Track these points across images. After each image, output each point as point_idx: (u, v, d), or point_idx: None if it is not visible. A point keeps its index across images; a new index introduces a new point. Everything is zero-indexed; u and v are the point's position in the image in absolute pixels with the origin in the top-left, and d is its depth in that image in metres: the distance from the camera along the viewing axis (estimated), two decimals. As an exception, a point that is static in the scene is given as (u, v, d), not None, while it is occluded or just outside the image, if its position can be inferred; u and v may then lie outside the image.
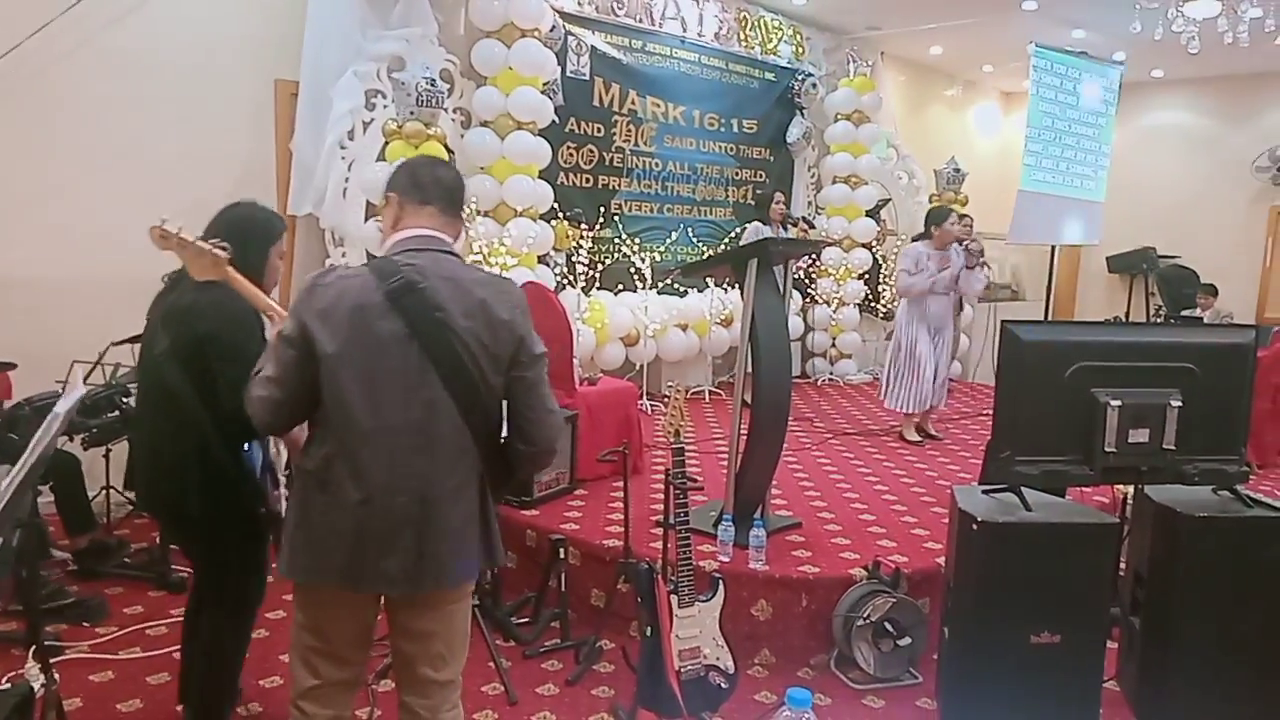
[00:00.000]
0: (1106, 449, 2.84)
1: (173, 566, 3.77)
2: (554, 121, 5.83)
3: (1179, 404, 2.86)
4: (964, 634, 2.88)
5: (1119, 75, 8.04)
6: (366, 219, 5.04)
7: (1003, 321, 3.00)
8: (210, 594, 2.55)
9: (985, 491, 3.02)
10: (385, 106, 5.11)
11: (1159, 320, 8.84)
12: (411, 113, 4.93)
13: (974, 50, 9.11)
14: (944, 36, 8.53)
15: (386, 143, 4.99)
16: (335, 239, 5.13)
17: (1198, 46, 6.05)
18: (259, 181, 5.06)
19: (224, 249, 2.26)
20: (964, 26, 7.91)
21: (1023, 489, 2.91)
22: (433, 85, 4.94)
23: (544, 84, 5.71)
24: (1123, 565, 3.30)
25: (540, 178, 5.68)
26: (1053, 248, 8.18)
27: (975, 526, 2.79)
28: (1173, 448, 2.86)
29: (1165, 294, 9.64)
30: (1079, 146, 7.81)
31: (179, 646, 2.76)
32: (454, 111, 5.55)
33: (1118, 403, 2.83)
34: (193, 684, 2.62)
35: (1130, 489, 3.36)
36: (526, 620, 3.52)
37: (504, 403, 1.97)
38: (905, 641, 3.19)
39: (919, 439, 5.81)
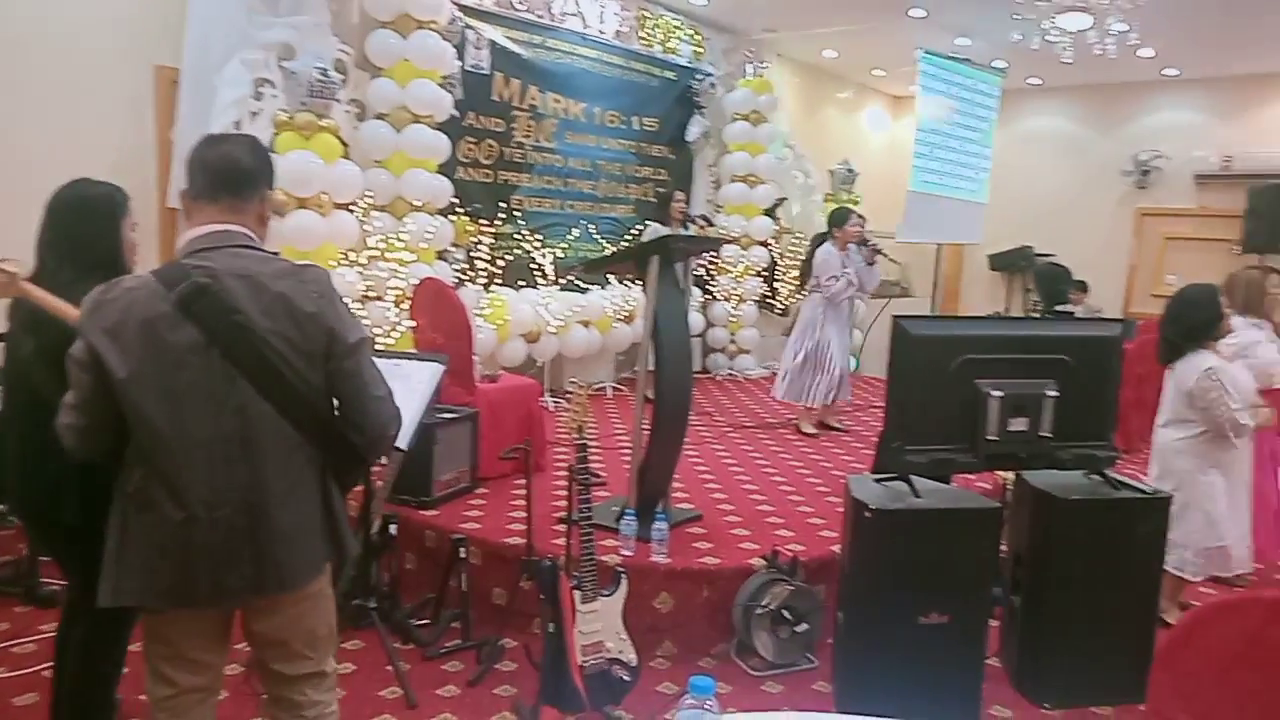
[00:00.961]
0: (989, 437, 2.98)
1: (41, 580, 3.55)
2: (453, 115, 5.74)
3: (1054, 394, 3.02)
4: (857, 618, 2.98)
5: (999, 82, 8.43)
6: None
7: (894, 316, 3.11)
8: (85, 605, 2.41)
9: (877, 480, 3.12)
10: (275, 96, 4.91)
11: (1036, 315, 9.33)
12: (303, 103, 4.76)
13: (865, 54, 9.41)
14: (837, 40, 8.78)
15: (277, 134, 4.81)
16: (221, 233, 4.92)
17: (1071, 56, 6.41)
18: (137, 172, 4.81)
19: (12, 268, 2.13)
20: (855, 31, 8.16)
21: (912, 477, 3.03)
22: (325, 76, 4.79)
23: (442, 77, 5.61)
24: (1005, 547, 3.47)
25: (439, 172, 5.58)
26: (939, 246, 8.52)
27: (867, 514, 2.88)
28: (1049, 435, 3.03)
29: (1041, 290, 10.17)
30: (963, 150, 8.17)
31: (49, 664, 2.60)
32: (348, 103, 5.39)
33: (999, 393, 2.98)
34: (64, 703, 2.48)
35: (1011, 474, 3.54)
36: (426, 622, 3.46)
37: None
38: (802, 628, 3.28)
39: (815, 432, 5.97)
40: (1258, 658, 1.57)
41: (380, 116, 5.45)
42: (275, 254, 1.94)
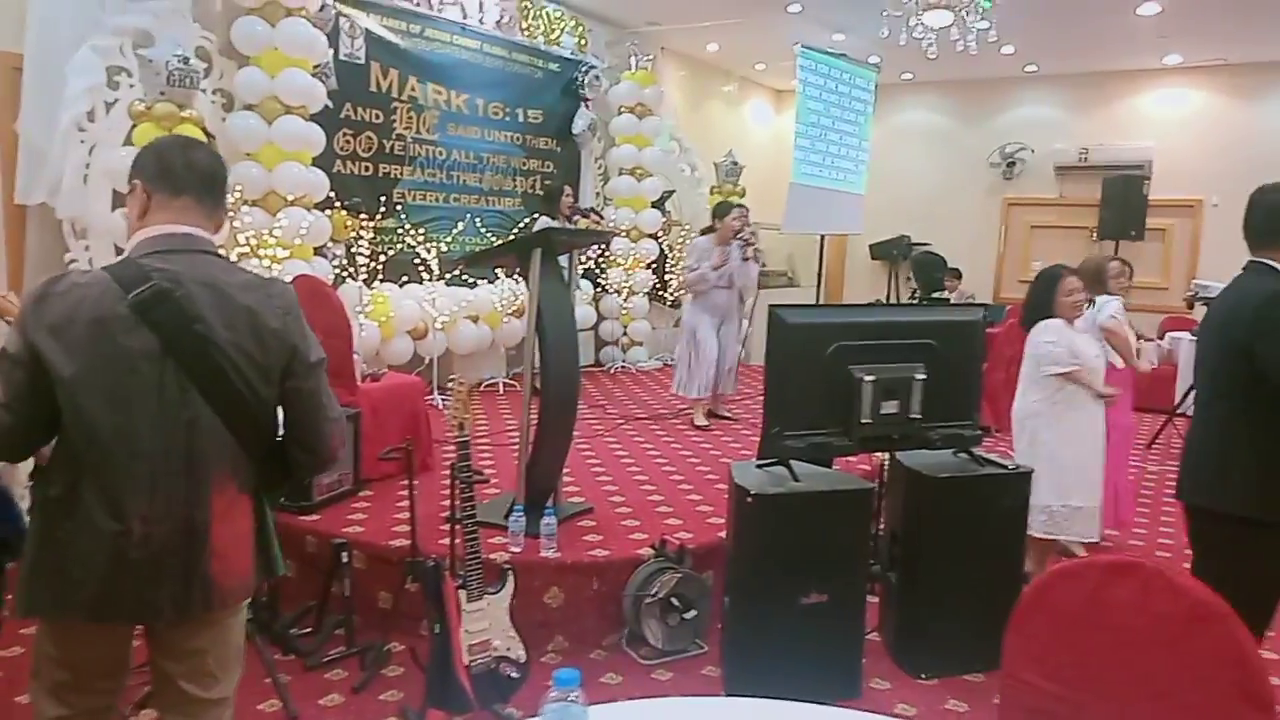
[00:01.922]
0: (863, 420, 3.09)
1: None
2: (327, 106, 5.55)
3: (923, 377, 3.16)
4: (742, 601, 3.05)
5: (875, 77, 8.71)
6: (114, 208, 4.57)
7: (770, 306, 3.19)
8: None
9: (759, 466, 3.20)
10: (131, 86, 4.64)
11: (914, 302, 9.72)
12: (162, 93, 4.51)
13: (747, 49, 9.58)
14: (719, 34, 8.90)
15: (134, 125, 4.55)
16: (76, 231, 4.62)
17: (936, 52, 6.69)
18: (-23, 166, 4.48)
19: None
20: (737, 25, 8.29)
21: (792, 462, 3.11)
22: (186, 64, 4.55)
23: (314, 67, 5.41)
24: (883, 527, 3.61)
25: (314, 165, 5.39)
26: (822, 236, 8.76)
27: (749, 500, 2.95)
28: (919, 416, 3.16)
29: (918, 278, 10.59)
30: (842, 143, 8.41)
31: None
32: (213, 93, 5.15)
33: (872, 378, 3.09)
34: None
35: (886, 456, 3.68)
36: (309, 631, 3.35)
37: (279, 409, 1.86)
38: (691, 614, 3.32)
39: (707, 424, 6.06)
40: (1096, 617, 1.68)
41: (249, 107, 5.23)
42: (236, 263, 1.88)
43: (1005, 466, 3.37)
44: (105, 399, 1.67)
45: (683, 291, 8.15)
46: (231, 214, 4.86)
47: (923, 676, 3.22)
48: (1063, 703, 1.72)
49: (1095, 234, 9.56)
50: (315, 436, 1.88)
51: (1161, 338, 8.18)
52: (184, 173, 1.81)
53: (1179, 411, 6.73)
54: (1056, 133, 10.21)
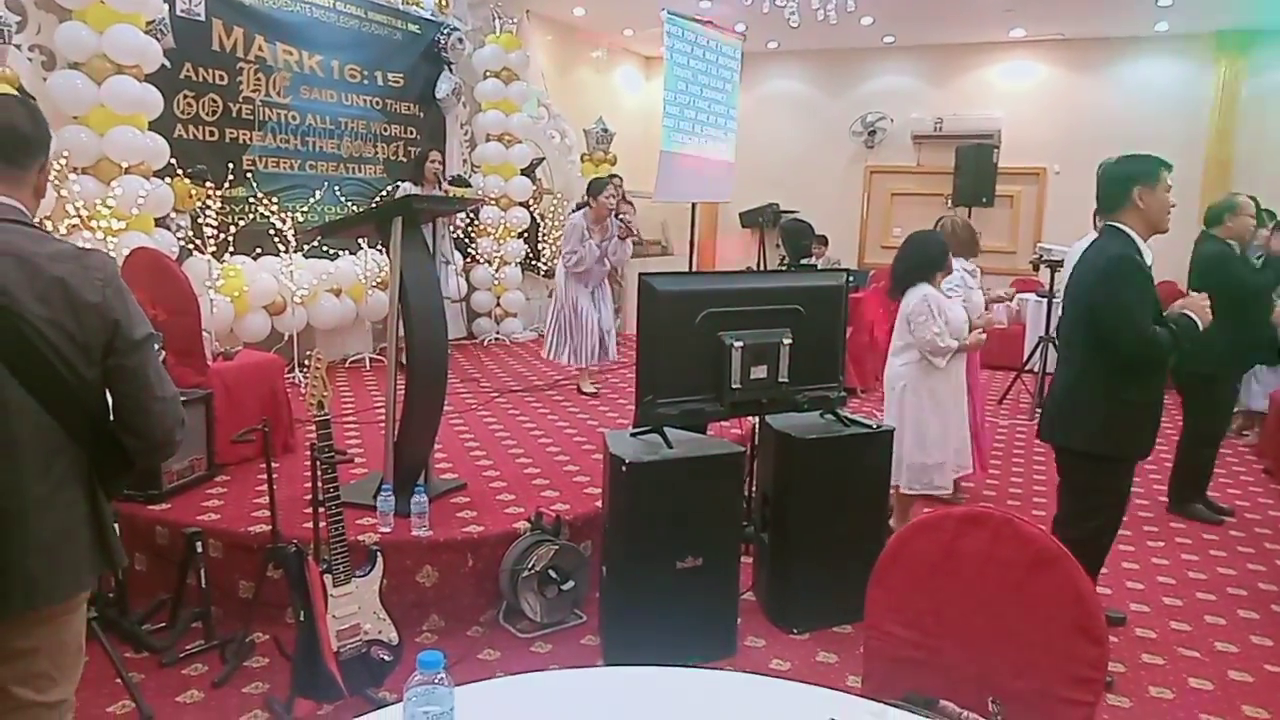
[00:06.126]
0: (733, 385, 3.14)
1: None
2: (165, 66, 5.15)
3: (789, 341, 3.22)
4: (619, 569, 3.05)
5: (741, 45, 8.78)
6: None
7: (640, 275, 3.18)
8: None
9: (634, 434, 3.20)
10: (-68, 39, 4.19)
11: (784, 268, 9.94)
12: (-32, 48, 4.09)
13: (614, 14, 9.47)
14: (586, -1, 8.77)
15: (-64, 83, 4.11)
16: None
17: (797, 20, 6.80)
18: None
19: None
20: (603, -10, 8.18)
21: (666, 429, 3.12)
22: (-4, 16, 4.13)
23: (148, 23, 5.01)
24: (755, 489, 3.69)
25: (152, 130, 5.00)
26: (693, 205, 8.82)
27: (623, 468, 2.94)
28: (786, 380, 3.23)
29: (786, 245, 10.82)
30: (711, 110, 8.45)
31: None
32: (30, 49, 4.69)
33: (740, 344, 3.13)
34: None
35: (757, 419, 3.75)
36: (163, 626, 3.16)
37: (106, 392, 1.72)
38: (569, 585, 3.31)
39: (594, 390, 6.03)
40: (951, 567, 1.76)
41: (74, 66, 4.79)
42: (49, 233, 1.70)
43: (869, 426, 3.49)
44: None
45: (554, 261, 8.10)
46: (56, 182, 4.47)
47: (795, 631, 3.32)
48: (921, 649, 1.80)
49: (950, 201, 10.01)
50: (144, 418, 1.74)
51: (1011, 299, 8.67)
52: None
53: (1027, 368, 7.17)
54: (914, 103, 10.59)
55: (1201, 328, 2.91)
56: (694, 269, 9.41)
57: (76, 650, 1.81)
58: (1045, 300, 7.10)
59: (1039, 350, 6.80)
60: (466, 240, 7.90)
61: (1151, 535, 4.40)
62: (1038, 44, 9.93)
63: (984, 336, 4.08)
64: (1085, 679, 1.63)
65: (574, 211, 6.12)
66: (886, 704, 1.53)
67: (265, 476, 3.07)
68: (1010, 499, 4.92)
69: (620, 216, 5.90)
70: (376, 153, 7.24)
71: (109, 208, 4.60)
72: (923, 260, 3.90)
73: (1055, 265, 6.71)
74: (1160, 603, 3.68)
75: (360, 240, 6.64)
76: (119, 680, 2.77)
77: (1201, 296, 3.01)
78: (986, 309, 4.56)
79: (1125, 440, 2.97)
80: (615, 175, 6.19)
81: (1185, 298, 3.09)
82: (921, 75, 10.65)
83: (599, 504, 3.64)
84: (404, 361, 3.66)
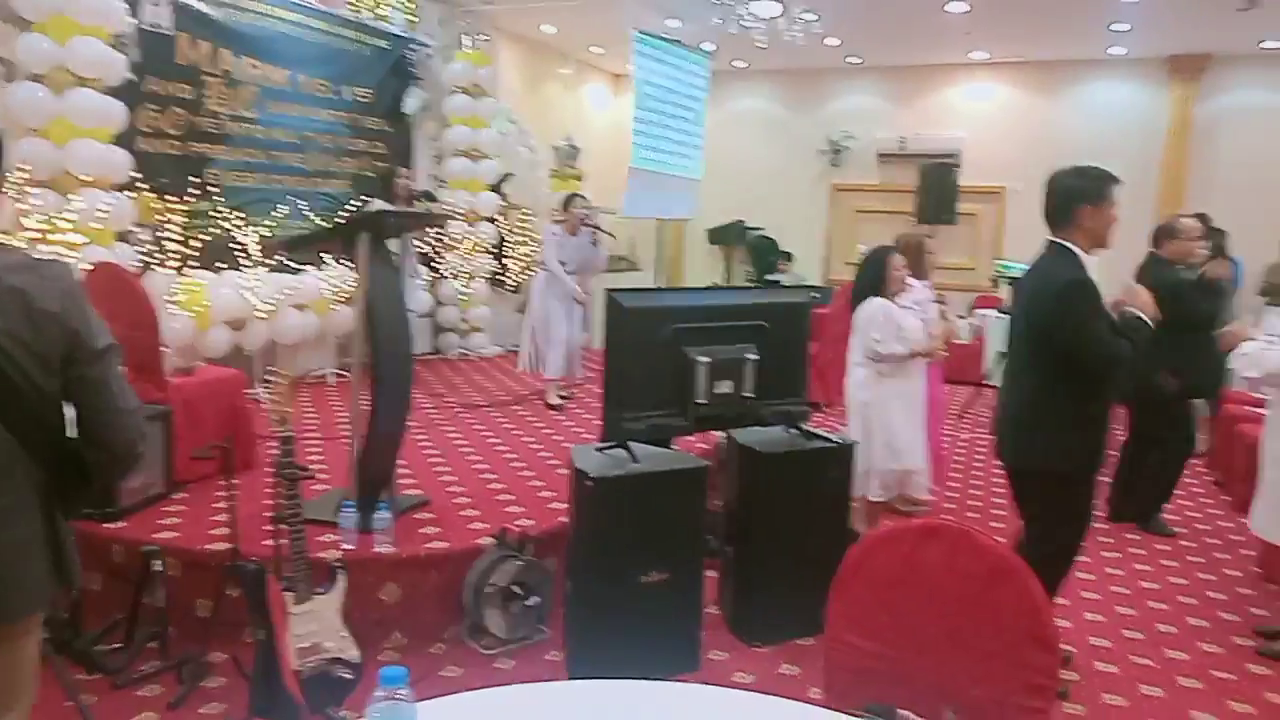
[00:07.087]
0: (698, 401, 3.16)
1: None
2: (129, 79, 5.10)
3: (755, 357, 3.25)
4: (584, 584, 3.05)
5: (708, 63, 8.88)
6: None
7: (607, 290, 3.19)
8: None
9: (600, 449, 3.20)
10: (-115, 48, 4.12)
11: (751, 284, 10.02)
12: (-76, 58, 4.02)
13: (583, 31, 9.53)
14: (554, 16, 8.81)
15: (-110, 93, 4.03)
16: None
17: (765, 41, 6.88)
18: None
19: None
20: (572, 8, 8.23)
21: (631, 443, 3.13)
22: (-48, 26, 4.07)
23: (113, 36, 4.95)
24: (720, 503, 3.70)
25: (115, 143, 4.94)
26: (661, 220, 8.88)
27: (588, 483, 2.95)
28: (751, 395, 3.26)
29: (753, 261, 10.94)
30: (679, 128, 8.53)
31: None
32: (-11, 60, 4.63)
33: (706, 359, 3.16)
34: None
35: (722, 434, 3.77)
36: (118, 646, 3.09)
37: (65, 404, 1.68)
38: (533, 601, 3.29)
39: (560, 403, 6.07)
40: (910, 579, 1.78)
41: (35, 77, 4.72)
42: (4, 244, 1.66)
43: (832, 440, 3.52)
44: None
45: (524, 274, 8.13)
46: (15, 196, 4.40)
47: (757, 644, 3.33)
48: (882, 660, 1.82)
49: (915, 219, 10.15)
50: (108, 429, 1.70)
51: (971, 315, 8.81)
52: None
53: (986, 383, 7.28)
54: (878, 122, 10.75)
55: (1152, 325, 2.91)
56: (661, 285, 9.47)
57: (30, 674, 1.76)
58: (1006, 316, 7.22)
59: (999, 365, 6.91)
60: (434, 255, 7.87)
61: (1106, 546, 4.48)
62: (998, 66, 10.14)
63: (942, 347, 4.15)
64: (1039, 686, 1.66)
65: (552, 224, 6.39)
66: (848, 714, 1.54)
67: (225, 494, 3.03)
68: (969, 511, 4.98)
69: (588, 223, 6.21)
70: (342, 167, 7.20)
71: (70, 221, 4.53)
72: (876, 276, 3.99)
73: (1013, 282, 6.82)
74: (1114, 612, 3.74)
75: (323, 255, 6.59)
76: (70, 703, 2.71)
77: (1140, 289, 2.99)
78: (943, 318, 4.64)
79: (1089, 454, 2.95)
80: (578, 195, 6.45)
81: (1125, 289, 3.04)
82: (886, 95, 10.82)
83: (564, 519, 3.64)
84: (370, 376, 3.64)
